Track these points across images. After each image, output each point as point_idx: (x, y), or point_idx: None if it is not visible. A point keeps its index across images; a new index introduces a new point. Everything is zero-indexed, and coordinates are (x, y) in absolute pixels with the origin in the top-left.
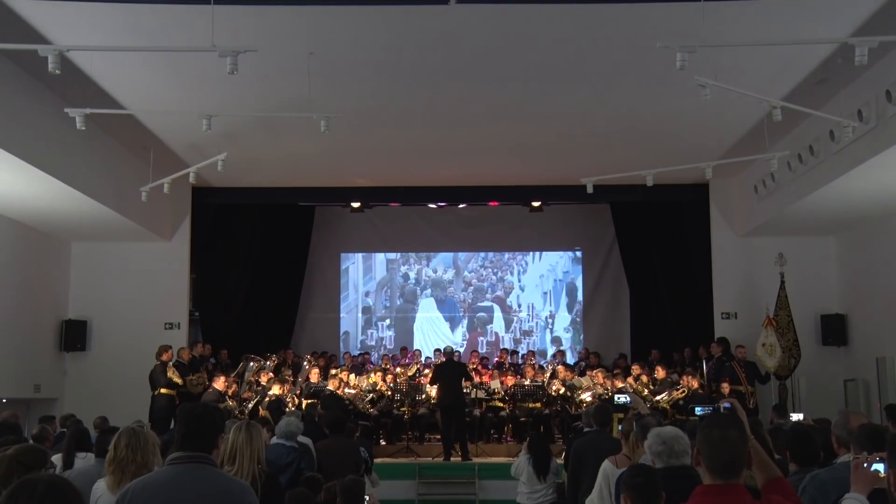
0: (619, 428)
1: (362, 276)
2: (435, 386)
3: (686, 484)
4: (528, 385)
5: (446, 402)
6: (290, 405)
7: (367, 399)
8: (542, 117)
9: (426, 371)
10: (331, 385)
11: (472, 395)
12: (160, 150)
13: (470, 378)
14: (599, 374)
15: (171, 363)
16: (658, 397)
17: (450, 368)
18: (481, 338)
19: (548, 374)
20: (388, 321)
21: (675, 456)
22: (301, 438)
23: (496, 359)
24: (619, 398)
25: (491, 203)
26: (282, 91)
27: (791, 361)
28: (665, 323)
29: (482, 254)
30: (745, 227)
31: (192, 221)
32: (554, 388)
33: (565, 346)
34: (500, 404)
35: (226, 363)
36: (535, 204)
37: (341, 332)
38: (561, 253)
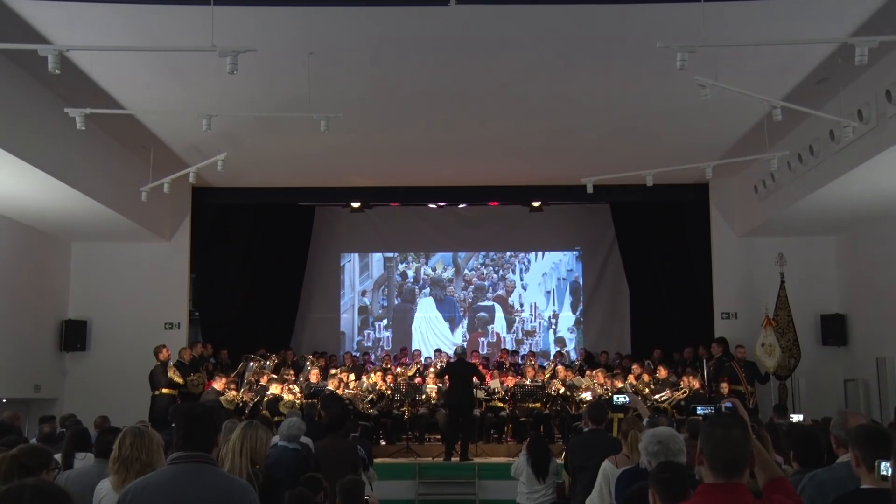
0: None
1: (358, 274)
2: (437, 385)
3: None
4: (528, 385)
5: (455, 400)
6: (293, 403)
7: (367, 399)
8: (543, 117)
9: (426, 371)
10: (330, 385)
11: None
12: (160, 150)
13: (482, 378)
14: (599, 374)
15: (171, 363)
16: (657, 396)
17: (461, 367)
18: (482, 338)
19: (548, 374)
20: (385, 321)
21: (672, 455)
22: (303, 439)
23: (496, 358)
24: (618, 398)
25: (491, 203)
26: (282, 91)
27: (791, 361)
28: (665, 323)
29: (482, 252)
30: (745, 227)
31: (192, 221)
32: (554, 388)
33: (569, 347)
34: (500, 404)
35: (226, 363)
36: (535, 204)
37: (340, 332)
38: (564, 251)
